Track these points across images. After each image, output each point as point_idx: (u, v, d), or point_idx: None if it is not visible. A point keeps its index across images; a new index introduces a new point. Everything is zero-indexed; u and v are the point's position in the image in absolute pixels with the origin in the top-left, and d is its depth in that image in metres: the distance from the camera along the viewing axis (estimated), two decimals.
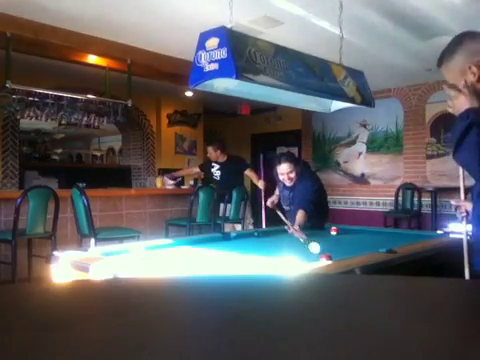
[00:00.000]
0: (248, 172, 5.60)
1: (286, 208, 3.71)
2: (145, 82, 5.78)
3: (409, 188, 6.46)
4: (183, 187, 6.22)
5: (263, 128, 8.56)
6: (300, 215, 3.23)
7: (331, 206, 7.49)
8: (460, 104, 1.52)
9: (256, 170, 5.51)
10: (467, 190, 1.97)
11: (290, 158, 3.53)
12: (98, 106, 5.09)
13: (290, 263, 2.01)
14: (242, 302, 0.65)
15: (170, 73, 5.17)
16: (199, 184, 6.16)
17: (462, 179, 1.95)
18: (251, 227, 5.38)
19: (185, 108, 7.84)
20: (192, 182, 6.51)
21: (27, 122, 6.20)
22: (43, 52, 4.46)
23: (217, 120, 8.81)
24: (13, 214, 3.86)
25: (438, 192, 6.10)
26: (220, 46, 2.39)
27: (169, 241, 2.79)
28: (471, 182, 1.70)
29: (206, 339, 0.49)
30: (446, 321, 0.57)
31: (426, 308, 0.62)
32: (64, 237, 4.58)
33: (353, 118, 6.96)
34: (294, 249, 2.55)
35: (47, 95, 4.66)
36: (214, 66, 2.40)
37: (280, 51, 2.71)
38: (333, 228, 3.23)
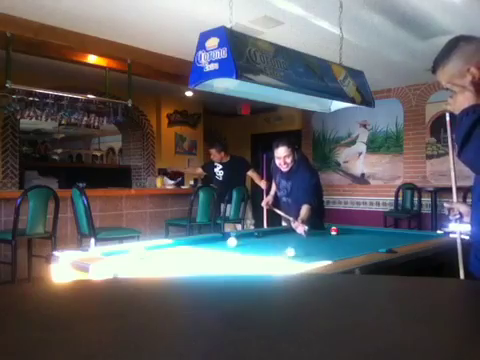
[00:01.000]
0: (250, 172, 5.61)
1: (283, 199, 3.64)
2: (145, 82, 5.78)
3: (409, 188, 6.46)
4: (183, 187, 6.23)
5: (263, 128, 8.56)
6: (305, 210, 3.20)
7: (331, 206, 7.54)
8: (464, 100, 1.51)
9: (258, 170, 5.52)
10: (460, 191, 1.97)
11: (288, 142, 3.46)
12: (98, 106, 5.09)
13: (290, 263, 2.01)
14: (242, 302, 0.65)
15: (170, 73, 5.18)
16: (199, 184, 6.17)
17: (454, 180, 1.94)
18: (252, 228, 5.39)
19: (185, 108, 7.84)
20: (192, 182, 6.51)
21: (27, 122, 6.21)
22: (43, 52, 4.46)
23: (217, 120, 8.81)
24: (13, 214, 3.86)
25: (438, 192, 6.10)
26: (220, 46, 2.39)
27: (169, 241, 2.79)
28: (464, 183, 1.70)
29: (206, 339, 0.49)
30: (445, 321, 0.57)
31: (426, 308, 0.63)
32: (64, 237, 4.58)
33: (353, 118, 6.96)
34: (295, 249, 2.55)
35: (47, 95, 4.66)
36: (214, 66, 2.40)
37: (280, 51, 2.71)
38: (333, 228, 3.22)
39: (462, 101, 1.52)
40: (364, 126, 7.09)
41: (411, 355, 0.45)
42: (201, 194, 4.96)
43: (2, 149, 5.81)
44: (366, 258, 2.07)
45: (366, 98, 3.19)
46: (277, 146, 3.44)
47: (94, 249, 2.44)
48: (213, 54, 2.40)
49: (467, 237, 1.88)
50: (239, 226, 5.36)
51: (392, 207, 6.62)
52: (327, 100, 3.26)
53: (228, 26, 2.49)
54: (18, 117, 4.96)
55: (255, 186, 6.08)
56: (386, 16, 3.86)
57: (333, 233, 3.18)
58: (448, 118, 1.89)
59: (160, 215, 5.57)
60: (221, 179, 5.62)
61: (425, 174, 6.46)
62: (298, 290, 0.75)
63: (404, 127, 6.69)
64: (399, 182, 6.64)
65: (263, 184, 5.38)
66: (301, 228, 3.02)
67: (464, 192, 4.63)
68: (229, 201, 5.22)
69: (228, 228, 5.17)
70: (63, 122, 6.93)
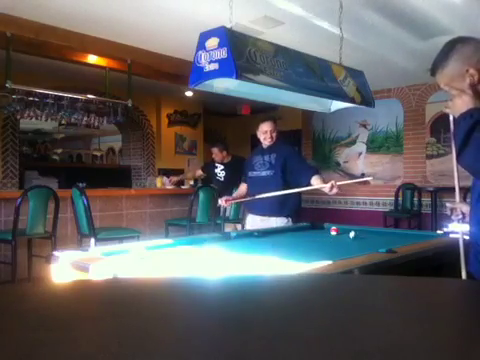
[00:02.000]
0: None
1: (263, 174, 3.57)
2: (145, 82, 5.78)
3: (409, 188, 6.46)
4: (183, 187, 6.23)
5: None
6: (317, 179, 3.31)
7: (331, 206, 7.54)
8: (462, 104, 1.51)
9: None
10: (461, 191, 1.96)
11: (274, 119, 3.69)
12: (98, 106, 5.09)
13: (290, 263, 2.01)
14: (242, 302, 0.65)
15: (170, 73, 5.18)
16: (199, 184, 6.16)
17: (457, 180, 1.94)
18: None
19: (185, 108, 7.84)
20: (192, 182, 6.51)
21: (27, 122, 6.21)
22: (43, 52, 4.46)
23: (217, 120, 8.81)
24: (13, 214, 3.86)
25: (438, 192, 6.10)
26: (220, 46, 2.39)
27: (169, 241, 2.78)
28: (466, 182, 1.70)
29: (206, 339, 0.49)
30: (445, 321, 0.57)
31: (426, 308, 0.63)
32: (64, 237, 4.58)
33: (353, 118, 6.96)
34: (294, 249, 2.55)
35: (47, 95, 4.66)
36: (214, 66, 2.40)
37: (280, 51, 2.70)
38: (333, 228, 3.22)
39: (460, 105, 1.52)
40: (364, 126, 7.09)
41: (411, 355, 0.45)
42: (201, 194, 4.96)
43: (2, 149, 5.81)
44: (366, 258, 2.06)
45: (366, 98, 3.19)
46: (264, 120, 3.59)
47: (94, 249, 2.44)
48: (213, 54, 2.40)
49: (467, 237, 1.88)
50: (239, 226, 5.35)
51: (392, 207, 6.62)
52: (327, 100, 3.26)
53: (228, 26, 2.49)
54: (18, 117, 4.96)
55: None
56: (386, 16, 3.86)
57: (333, 233, 3.18)
58: (451, 118, 1.89)
59: (160, 215, 5.57)
60: (222, 179, 5.61)
61: (425, 174, 6.46)
62: (298, 290, 0.75)
63: (404, 127, 6.70)
64: (399, 182, 6.65)
65: None
66: (335, 189, 3.10)
67: (464, 192, 4.63)
68: None
69: (228, 228, 5.17)
70: (63, 122, 6.94)
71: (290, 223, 3.48)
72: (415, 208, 6.37)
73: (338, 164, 7.41)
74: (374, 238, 3.05)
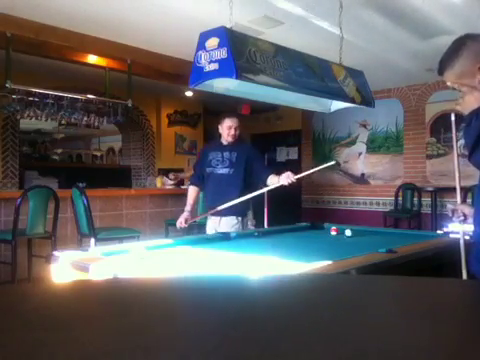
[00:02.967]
0: None
1: (222, 172, 3.39)
2: (145, 82, 5.78)
3: (409, 188, 6.45)
4: (183, 187, 6.22)
5: (263, 128, 8.55)
6: (273, 178, 3.25)
7: (331, 206, 7.54)
8: (474, 101, 1.49)
9: None
10: (461, 191, 1.96)
11: (238, 116, 3.59)
12: (98, 106, 5.09)
13: (290, 263, 2.01)
14: (242, 302, 0.65)
15: (170, 73, 5.18)
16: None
17: (458, 181, 1.94)
18: (252, 228, 5.38)
19: (185, 108, 7.84)
20: None
21: (27, 122, 6.20)
22: (43, 52, 4.46)
23: (217, 120, 8.80)
24: (13, 214, 3.86)
25: (438, 192, 6.10)
26: (220, 46, 2.39)
27: (169, 241, 2.78)
28: (466, 182, 1.70)
29: (206, 339, 0.49)
30: (446, 321, 0.57)
31: (426, 308, 0.62)
32: (64, 237, 4.58)
33: (353, 118, 6.96)
34: (294, 249, 2.55)
35: (47, 95, 4.66)
36: (214, 66, 2.40)
37: (280, 51, 2.70)
38: (333, 228, 3.22)
39: (472, 101, 1.50)
40: (364, 126, 7.09)
41: (411, 355, 0.45)
42: (201, 194, 4.95)
43: (2, 149, 5.81)
44: (366, 258, 2.06)
45: (366, 98, 3.19)
46: (229, 116, 3.50)
47: (94, 249, 2.44)
48: (213, 54, 2.40)
49: (467, 237, 1.88)
50: None
51: (392, 207, 6.62)
52: (327, 100, 3.26)
53: (228, 26, 2.49)
54: (18, 117, 4.96)
55: None
56: (386, 16, 3.86)
57: (333, 233, 3.18)
58: (453, 118, 1.87)
59: (160, 215, 5.56)
60: None
61: (425, 174, 6.46)
62: (298, 290, 0.75)
63: (404, 127, 6.70)
64: (399, 182, 6.64)
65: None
66: (288, 178, 3.06)
67: (464, 192, 4.63)
68: None
69: None
70: (63, 122, 6.94)
71: (240, 223, 3.35)
72: (415, 208, 6.37)
73: (338, 164, 7.41)
74: (374, 238, 3.05)
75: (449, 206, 1.96)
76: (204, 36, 2.49)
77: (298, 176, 3.16)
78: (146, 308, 0.62)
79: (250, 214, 5.57)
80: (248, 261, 2.16)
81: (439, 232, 3.15)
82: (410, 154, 6.63)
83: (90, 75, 5.40)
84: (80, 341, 0.49)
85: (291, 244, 2.78)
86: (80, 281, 1.18)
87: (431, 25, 4.06)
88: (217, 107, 8.08)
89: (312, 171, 3.59)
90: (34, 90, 4.54)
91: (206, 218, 3.54)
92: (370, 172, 7.05)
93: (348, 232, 2.89)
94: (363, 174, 7.12)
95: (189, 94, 6.97)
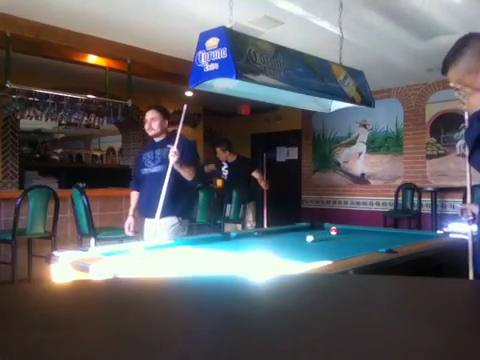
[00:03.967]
0: (255, 173, 5.55)
1: (155, 170, 3.15)
2: (145, 82, 5.78)
3: (409, 188, 6.45)
4: None
5: (263, 128, 8.56)
6: (188, 169, 3.00)
7: (331, 206, 7.54)
8: (477, 102, 1.49)
9: (263, 170, 5.49)
10: (461, 191, 1.97)
11: (161, 108, 3.31)
12: (98, 106, 5.09)
13: (290, 263, 2.01)
14: (242, 302, 0.65)
15: (170, 73, 5.17)
16: (199, 184, 6.14)
17: (469, 181, 1.93)
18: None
19: None
20: None
21: (27, 122, 6.20)
22: (43, 52, 4.46)
23: (217, 120, 8.81)
24: (13, 214, 3.86)
25: (438, 192, 6.10)
26: (220, 46, 2.39)
27: (169, 241, 2.79)
28: (475, 182, 1.70)
29: (206, 339, 0.49)
30: (446, 321, 0.57)
31: (426, 308, 0.62)
32: (64, 237, 4.58)
33: (353, 118, 6.96)
34: (294, 249, 2.55)
35: (47, 95, 4.66)
36: (214, 66, 2.40)
37: (280, 51, 2.70)
38: (333, 228, 3.22)
39: (477, 103, 1.49)
40: (364, 126, 7.09)
41: (412, 355, 0.45)
42: (201, 194, 4.96)
43: (2, 149, 5.81)
44: (366, 258, 2.07)
45: (366, 98, 3.19)
46: (150, 108, 3.28)
47: (94, 249, 2.44)
48: (213, 54, 2.40)
49: (467, 237, 1.88)
50: (239, 226, 5.36)
51: (392, 207, 6.62)
52: (327, 100, 3.26)
53: (228, 26, 2.49)
54: (18, 117, 4.96)
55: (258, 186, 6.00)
56: (386, 16, 3.86)
57: (333, 233, 3.18)
58: (467, 116, 1.86)
59: None
60: (226, 179, 5.59)
61: (425, 174, 6.46)
62: (298, 290, 0.75)
63: (404, 127, 6.70)
64: (399, 182, 6.64)
65: (264, 184, 5.39)
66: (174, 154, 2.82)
67: (464, 192, 4.63)
68: (229, 201, 5.22)
69: (229, 228, 5.18)
70: (63, 122, 6.94)
71: (179, 223, 3.13)
72: (415, 208, 6.37)
73: (338, 164, 7.41)
74: (374, 238, 3.05)
75: (459, 206, 1.97)
76: (204, 36, 2.49)
77: (175, 147, 2.88)
78: (146, 308, 0.62)
79: (250, 217, 5.57)
80: (248, 261, 2.16)
81: (439, 232, 3.15)
82: (410, 154, 6.63)
83: (90, 75, 5.40)
84: (80, 341, 0.49)
85: (291, 244, 2.79)
86: (80, 281, 1.18)
87: (431, 25, 4.05)
88: (217, 107, 8.08)
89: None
90: (34, 90, 4.54)
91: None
92: (370, 172, 7.05)
93: (309, 238, 2.73)
94: (363, 174, 7.12)
95: (189, 94, 6.97)
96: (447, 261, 2.32)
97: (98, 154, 11.70)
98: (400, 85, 6.63)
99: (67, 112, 4.83)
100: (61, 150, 10.86)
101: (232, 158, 5.57)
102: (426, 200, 6.27)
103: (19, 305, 0.64)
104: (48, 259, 2.13)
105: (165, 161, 3.01)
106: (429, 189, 6.11)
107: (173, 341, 0.49)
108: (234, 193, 5.20)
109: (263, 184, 5.40)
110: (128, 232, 3.37)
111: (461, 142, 5.83)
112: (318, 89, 2.89)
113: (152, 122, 3.22)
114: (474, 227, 1.87)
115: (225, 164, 5.61)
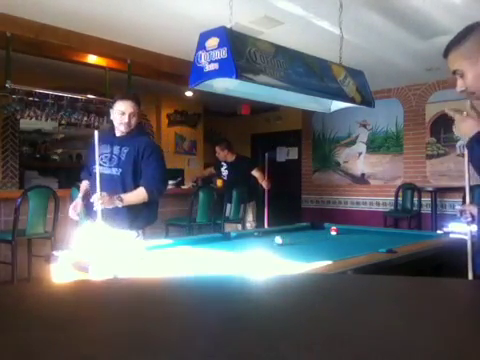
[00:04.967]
0: (255, 172, 5.53)
1: (108, 171, 2.70)
2: (145, 82, 5.78)
3: (409, 188, 6.45)
4: (183, 187, 6.22)
5: (263, 128, 8.56)
6: (138, 193, 2.64)
7: (331, 206, 7.54)
8: (467, 128, 1.49)
9: (263, 170, 5.48)
10: (461, 191, 1.97)
11: (138, 100, 2.77)
12: (98, 106, 5.09)
13: (290, 263, 2.01)
14: (242, 302, 0.65)
15: (170, 73, 5.17)
16: (199, 184, 6.15)
17: (468, 182, 1.93)
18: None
19: (185, 108, 7.84)
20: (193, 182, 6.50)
21: (27, 122, 6.20)
22: (43, 52, 4.46)
23: (217, 120, 8.81)
24: (13, 214, 3.86)
25: (438, 192, 6.10)
26: (220, 46, 2.39)
27: (169, 241, 2.78)
28: (474, 183, 1.70)
29: (206, 339, 0.49)
30: (446, 321, 0.57)
31: (426, 308, 0.62)
32: (64, 237, 4.57)
33: (353, 118, 6.96)
34: (294, 249, 2.55)
35: (47, 95, 4.67)
36: (214, 66, 2.40)
37: (280, 51, 2.71)
38: (333, 228, 3.22)
39: (466, 129, 1.49)
40: (364, 126, 7.09)
41: (412, 356, 0.45)
42: (201, 194, 4.96)
43: (2, 149, 5.81)
44: (366, 258, 2.07)
45: (366, 98, 3.19)
46: (123, 98, 2.73)
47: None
48: (213, 54, 2.40)
49: (466, 237, 1.89)
50: (239, 226, 5.36)
51: (392, 207, 6.61)
52: (327, 100, 3.26)
53: (228, 26, 2.49)
54: (18, 117, 4.96)
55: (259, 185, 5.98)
56: (386, 16, 3.86)
57: (333, 233, 3.18)
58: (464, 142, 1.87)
59: (160, 215, 5.53)
60: (226, 179, 5.59)
61: (425, 174, 6.46)
62: (298, 290, 0.75)
63: (404, 127, 6.70)
64: (399, 182, 6.64)
65: (265, 184, 5.39)
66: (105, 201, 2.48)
67: (463, 193, 4.63)
68: (229, 201, 5.22)
69: (229, 228, 5.18)
70: (63, 122, 6.93)
71: (141, 237, 2.77)
72: (415, 208, 6.37)
73: (338, 164, 7.41)
74: (374, 238, 3.05)
75: (458, 207, 1.97)
76: (204, 36, 2.49)
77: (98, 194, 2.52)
78: (146, 308, 0.62)
79: (250, 216, 5.57)
80: (248, 261, 2.16)
81: (439, 232, 3.16)
82: (410, 154, 6.63)
83: (90, 75, 5.40)
84: (80, 341, 0.49)
85: (291, 244, 2.78)
86: (80, 281, 1.18)
87: (431, 25, 4.06)
88: (217, 107, 8.09)
89: None
90: (34, 90, 4.54)
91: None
92: (370, 172, 7.05)
93: (278, 239, 2.63)
94: (363, 174, 7.12)
95: (189, 94, 6.97)
96: (447, 261, 2.32)
97: None
98: (400, 85, 6.63)
99: (67, 112, 4.83)
100: (61, 150, 10.85)
101: (231, 158, 5.56)
102: (426, 200, 6.27)
103: (19, 305, 0.64)
104: (48, 259, 2.14)
105: (122, 164, 2.68)
106: (429, 189, 6.11)
107: (173, 341, 0.49)
108: (234, 193, 5.20)
109: (264, 183, 5.39)
110: (71, 215, 3.00)
111: (461, 142, 5.83)
112: (318, 89, 2.89)
113: (132, 117, 2.70)
114: (474, 227, 1.87)
115: (224, 164, 5.60)
